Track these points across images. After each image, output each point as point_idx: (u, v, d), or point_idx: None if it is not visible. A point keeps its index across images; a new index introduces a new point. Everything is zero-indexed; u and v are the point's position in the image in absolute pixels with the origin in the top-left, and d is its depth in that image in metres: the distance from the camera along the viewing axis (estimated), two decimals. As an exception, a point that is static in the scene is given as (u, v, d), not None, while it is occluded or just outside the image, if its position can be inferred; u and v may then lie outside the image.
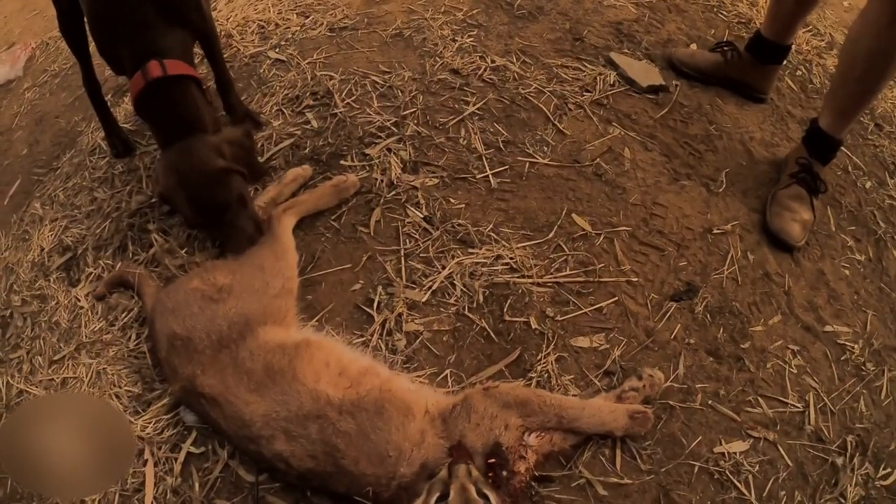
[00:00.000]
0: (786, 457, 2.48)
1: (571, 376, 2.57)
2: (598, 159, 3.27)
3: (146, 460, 2.48)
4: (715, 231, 3.07)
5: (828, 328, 2.88)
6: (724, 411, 2.55)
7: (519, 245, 2.92)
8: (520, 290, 2.78)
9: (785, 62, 3.74)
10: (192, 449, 2.48)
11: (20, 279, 3.21)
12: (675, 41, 4.04)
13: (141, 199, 3.29)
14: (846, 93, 3.06)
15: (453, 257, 2.87)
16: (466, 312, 2.73)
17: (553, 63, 3.74)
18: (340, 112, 3.44)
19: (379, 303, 2.76)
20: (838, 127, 3.14)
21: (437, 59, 3.72)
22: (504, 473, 2.11)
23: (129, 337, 2.85)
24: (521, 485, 2.18)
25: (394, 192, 3.09)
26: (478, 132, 3.33)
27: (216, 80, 3.31)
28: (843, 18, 4.61)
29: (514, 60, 3.73)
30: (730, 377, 2.65)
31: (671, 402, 2.53)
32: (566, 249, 2.92)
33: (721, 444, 2.47)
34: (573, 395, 2.49)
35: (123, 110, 3.87)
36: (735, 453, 2.45)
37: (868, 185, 3.50)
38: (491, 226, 2.98)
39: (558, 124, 3.40)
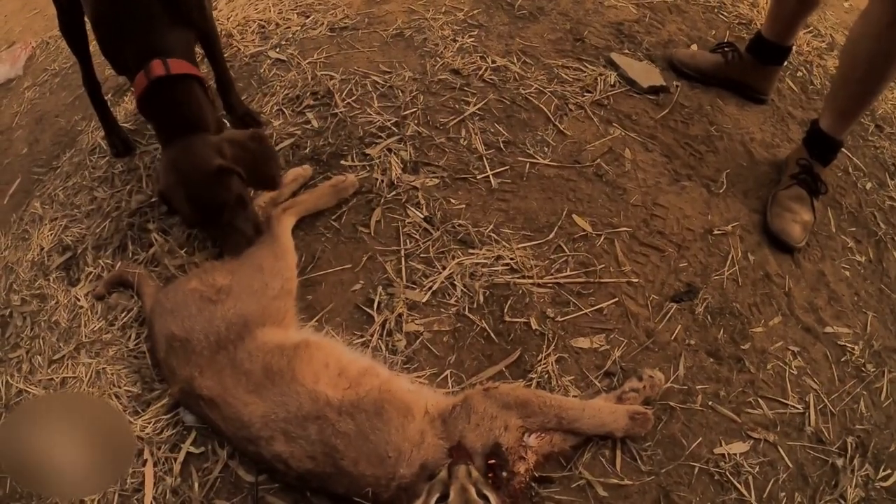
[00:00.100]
0: (786, 458, 2.47)
1: (572, 377, 2.57)
2: (598, 160, 3.26)
3: (145, 460, 2.48)
4: (715, 232, 3.07)
5: (828, 329, 2.88)
6: (724, 412, 2.55)
7: (519, 245, 2.92)
8: (520, 291, 2.78)
9: (786, 63, 3.74)
10: (192, 449, 2.48)
11: (20, 278, 3.21)
12: (675, 42, 4.04)
13: (141, 199, 3.29)
14: (847, 94, 3.06)
15: (454, 258, 2.86)
16: (467, 313, 2.73)
17: (554, 63, 3.74)
18: (341, 112, 3.44)
19: (379, 303, 2.76)
20: (839, 128, 3.14)
21: (438, 59, 3.72)
22: (504, 474, 2.11)
23: (129, 337, 2.85)
24: (520, 485, 2.17)
25: (394, 193, 3.09)
26: (478, 132, 3.33)
27: (216, 80, 3.30)
28: (843, 19, 4.61)
29: (515, 61, 3.73)
30: (730, 378, 2.64)
31: (671, 403, 2.53)
32: (566, 250, 2.92)
33: (721, 446, 2.47)
34: (573, 396, 2.49)
35: (123, 109, 3.87)
36: (735, 454, 2.45)
37: (868, 186, 3.50)
38: (491, 226, 2.98)
39: (559, 125, 3.40)
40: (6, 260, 3.35)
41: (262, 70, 3.78)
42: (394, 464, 2.13)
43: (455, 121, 3.39)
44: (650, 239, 3.01)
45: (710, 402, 2.57)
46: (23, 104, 4.40)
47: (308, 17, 4.12)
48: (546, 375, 2.55)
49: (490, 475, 2.06)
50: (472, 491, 1.88)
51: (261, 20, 4.15)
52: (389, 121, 3.38)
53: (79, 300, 3.01)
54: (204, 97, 2.81)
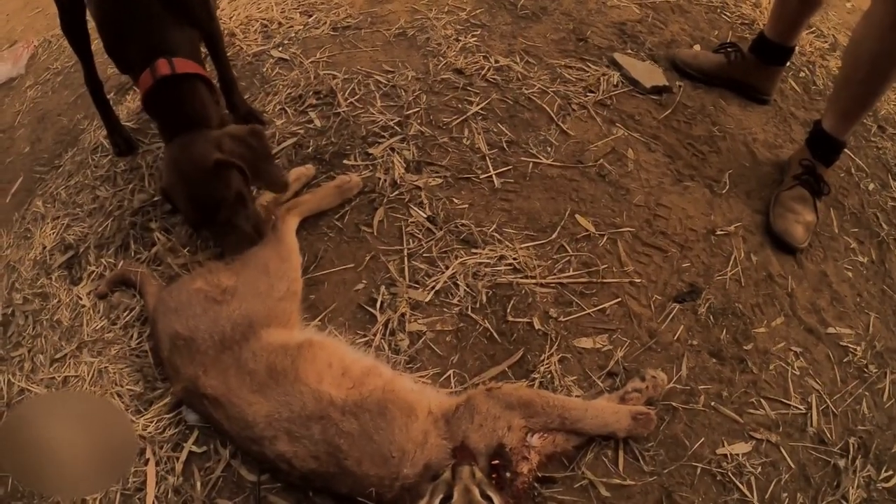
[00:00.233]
0: (788, 458, 2.47)
1: (574, 377, 2.57)
2: (601, 160, 3.26)
3: (148, 459, 2.48)
4: (718, 232, 3.07)
5: (830, 330, 2.88)
6: (726, 413, 2.55)
7: (522, 245, 2.92)
8: (523, 291, 2.78)
9: (788, 64, 3.74)
10: (194, 448, 2.48)
11: (22, 277, 3.21)
12: (678, 42, 4.04)
13: (143, 198, 3.29)
14: (849, 95, 3.06)
15: (457, 257, 2.86)
16: (469, 313, 2.73)
17: (556, 63, 3.74)
18: (343, 111, 3.44)
19: (382, 303, 2.76)
20: (842, 129, 3.14)
21: (441, 58, 3.72)
22: (507, 475, 2.11)
23: (131, 336, 2.85)
24: (524, 486, 2.18)
25: (397, 192, 3.09)
26: (481, 132, 3.33)
27: (219, 79, 3.29)
28: (846, 20, 4.61)
29: (518, 60, 3.73)
30: (732, 379, 2.64)
31: (674, 404, 2.53)
32: (569, 250, 2.92)
33: (723, 446, 2.47)
34: (576, 396, 2.49)
35: (125, 108, 3.87)
36: (737, 455, 2.45)
37: (871, 187, 3.50)
38: (494, 226, 2.98)
39: (562, 125, 3.40)
40: (8, 258, 3.35)
41: (264, 69, 3.79)
42: (397, 464, 2.13)
43: (458, 120, 3.39)
44: (653, 239, 3.01)
45: (712, 403, 2.57)
46: (25, 103, 4.39)
47: (311, 16, 4.12)
48: (549, 375, 2.55)
49: (493, 476, 2.06)
50: (476, 492, 1.88)
51: (263, 19, 4.15)
52: (392, 120, 3.38)
53: (81, 299, 3.00)
54: (209, 96, 2.81)
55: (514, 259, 2.86)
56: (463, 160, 3.23)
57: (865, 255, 3.19)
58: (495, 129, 3.36)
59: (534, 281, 2.81)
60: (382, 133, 3.33)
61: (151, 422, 2.55)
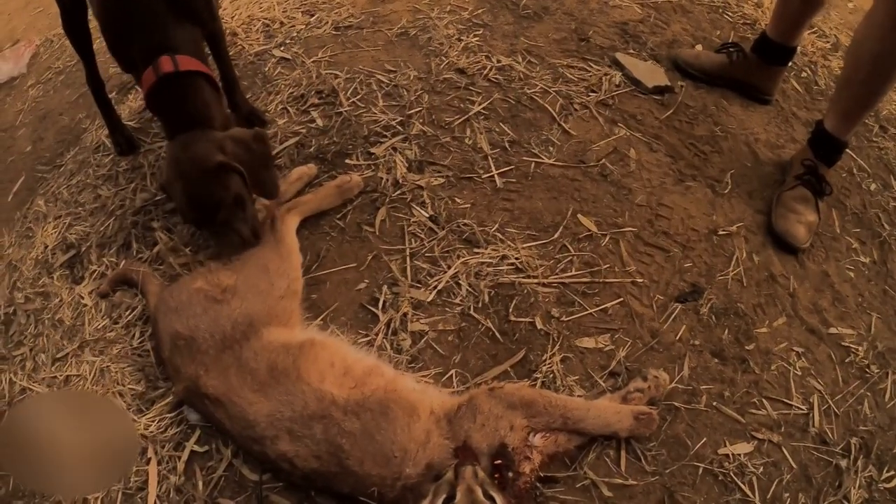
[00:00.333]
0: (790, 459, 2.48)
1: (576, 377, 2.57)
2: (603, 160, 3.26)
3: (149, 458, 2.48)
4: (720, 232, 3.07)
5: (832, 330, 2.88)
6: (728, 413, 2.55)
7: (524, 245, 2.92)
8: (525, 291, 2.78)
9: (790, 64, 3.74)
10: (196, 447, 2.48)
11: (23, 276, 3.21)
12: (680, 42, 4.03)
13: (145, 197, 3.29)
14: (851, 95, 3.06)
15: (459, 257, 2.87)
16: (472, 312, 2.73)
17: (558, 63, 3.74)
18: (346, 111, 3.44)
19: (384, 302, 2.76)
20: (843, 129, 3.14)
21: (443, 58, 3.72)
22: (510, 475, 2.11)
23: (133, 335, 2.85)
24: (526, 485, 2.18)
25: (399, 192, 3.09)
26: (483, 132, 3.33)
27: (221, 78, 3.29)
28: (847, 20, 4.61)
29: (520, 60, 3.73)
30: (734, 379, 2.65)
31: (676, 404, 2.53)
32: (571, 250, 2.92)
33: (725, 446, 2.47)
34: (578, 396, 2.49)
35: (127, 108, 3.87)
36: (739, 455, 2.45)
37: (873, 187, 3.50)
38: (496, 226, 2.98)
39: (564, 124, 3.40)
40: (10, 258, 3.35)
41: (266, 69, 3.79)
42: (399, 463, 2.13)
43: (460, 120, 3.39)
44: (655, 239, 3.01)
45: (714, 403, 2.57)
46: (27, 102, 4.40)
47: (313, 15, 4.12)
48: (551, 375, 2.56)
49: (496, 476, 2.06)
50: (479, 492, 1.88)
51: (265, 19, 4.15)
52: (394, 120, 3.38)
53: (83, 298, 3.00)
54: (212, 94, 2.80)
55: (517, 259, 2.86)
56: (465, 160, 3.23)
57: (867, 255, 3.19)
58: (497, 129, 3.36)
59: (536, 281, 2.81)
60: (384, 132, 3.34)
61: (153, 421, 2.55)
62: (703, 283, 2.90)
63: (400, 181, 3.13)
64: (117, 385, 2.69)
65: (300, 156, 3.29)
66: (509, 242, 2.93)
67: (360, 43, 3.86)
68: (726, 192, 3.26)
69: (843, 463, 2.50)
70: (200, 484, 2.40)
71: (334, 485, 2.22)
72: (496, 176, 3.17)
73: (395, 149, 3.26)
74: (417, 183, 3.11)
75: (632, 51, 3.90)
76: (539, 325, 2.69)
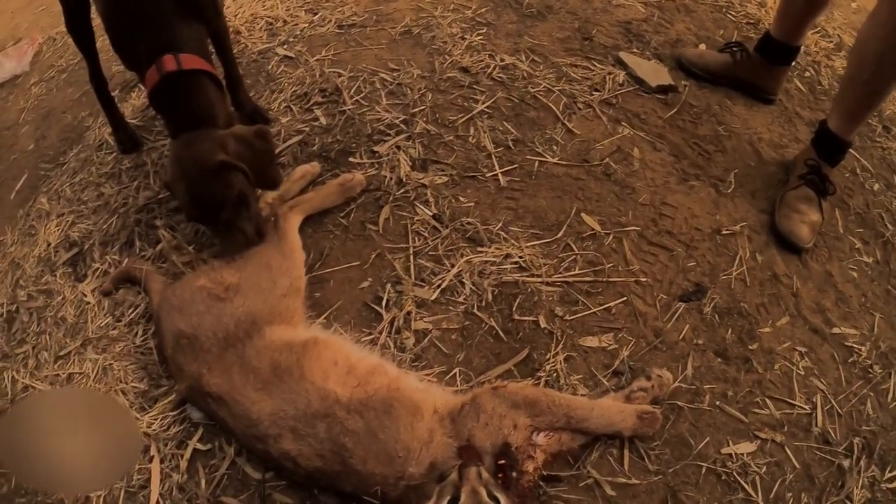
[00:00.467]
0: (793, 458, 2.47)
1: (580, 376, 2.57)
2: (607, 159, 3.27)
3: (152, 457, 2.48)
4: (724, 232, 3.07)
5: (835, 330, 2.88)
6: (731, 412, 2.55)
7: (528, 244, 2.92)
8: (529, 290, 2.78)
9: (793, 63, 3.74)
10: (199, 446, 2.48)
11: (26, 274, 3.21)
12: (683, 41, 4.04)
13: (148, 195, 3.28)
14: (855, 95, 3.06)
15: (462, 256, 2.86)
16: (475, 311, 2.73)
17: (562, 62, 3.74)
18: (349, 109, 3.44)
19: (387, 301, 2.76)
20: (847, 129, 3.14)
21: (446, 56, 3.72)
22: (514, 475, 2.11)
23: (136, 333, 2.85)
24: (529, 484, 2.17)
25: (403, 190, 3.09)
26: (487, 130, 3.33)
27: (225, 76, 3.30)
28: (851, 20, 4.61)
29: (524, 59, 3.73)
30: (738, 378, 2.65)
31: (679, 403, 2.53)
32: (575, 249, 2.92)
33: (729, 446, 2.47)
34: (582, 395, 2.49)
35: (130, 105, 3.87)
36: (742, 454, 2.45)
37: (876, 187, 3.50)
38: (500, 224, 2.98)
39: (567, 123, 3.40)
40: (13, 255, 3.35)
41: (270, 67, 3.79)
42: (403, 462, 2.13)
43: (464, 119, 3.39)
44: (658, 238, 3.01)
45: (717, 402, 2.57)
46: (29, 100, 4.40)
47: (316, 14, 4.12)
48: (554, 374, 2.55)
49: (500, 476, 2.06)
50: (483, 493, 1.88)
51: (268, 17, 4.15)
52: (398, 118, 3.38)
53: (85, 296, 3.00)
54: (215, 93, 2.80)
55: (520, 257, 2.86)
56: (469, 158, 3.23)
57: (870, 255, 3.19)
58: (501, 128, 3.36)
59: (539, 279, 2.81)
60: (388, 131, 3.34)
61: (156, 419, 2.55)
62: (706, 283, 2.89)
63: (403, 179, 3.12)
64: (120, 383, 2.69)
65: (303, 154, 3.29)
66: (513, 241, 2.93)
67: (364, 41, 3.86)
68: (730, 191, 3.26)
69: (846, 463, 2.50)
70: (203, 482, 2.39)
71: (337, 483, 2.22)
72: (500, 175, 3.17)
73: (398, 147, 3.26)
74: (421, 181, 3.11)
75: (635, 50, 3.90)
76: (542, 324, 2.69)
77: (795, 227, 3.08)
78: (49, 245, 3.27)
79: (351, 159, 3.23)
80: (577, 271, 2.86)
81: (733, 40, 3.91)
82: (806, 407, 2.61)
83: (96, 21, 3.07)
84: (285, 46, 3.90)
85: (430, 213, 3.00)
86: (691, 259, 2.96)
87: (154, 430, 2.52)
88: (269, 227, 2.83)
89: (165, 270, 2.96)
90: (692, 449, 2.44)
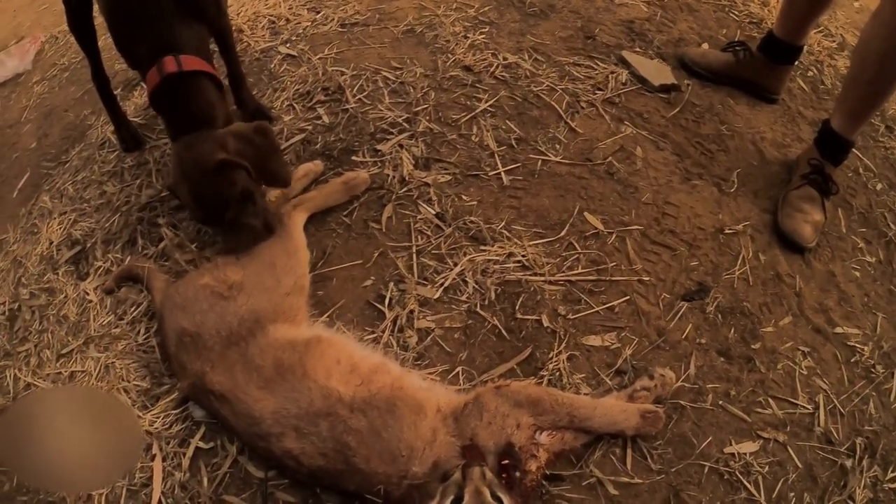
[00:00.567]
0: (795, 458, 2.47)
1: (583, 375, 2.57)
2: (610, 158, 3.26)
3: (154, 455, 2.47)
4: (726, 231, 3.07)
5: (838, 330, 2.87)
6: (734, 412, 2.55)
7: (531, 243, 2.92)
8: (532, 288, 2.78)
9: (796, 63, 3.73)
10: (201, 444, 2.48)
11: (28, 272, 3.21)
12: (686, 40, 4.03)
13: (151, 193, 3.28)
14: (858, 94, 3.06)
15: (465, 254, 2.86)
16: (478, 310, 2.73)
17: (565, 61, 3.74)
18: (352, 108, 3.44)
19: (390, 299, 2.76)
20: (850, 128, 3.14)
21: (449, 55, 3.72)
22: (517, 475, 2.10)
23: (138, 331, 2.85)
24: (532, 483, 2.17)
25: (405, 189, 3.09)
26: (490, 129, 3.33)
27: (228, 75, 3.32)
28: (854, 20, 4.61)
29: (526, 58, 3.73)
30: (740, 378, 2.64)
31: (682, 402, 2.53)
32: (578, 248, 2.92)
33: (731, 445, 2.47)
34: (585, 394, 2.49)
35: (133, 104, 3.87)
36: (745, 454, 2.45)
37: (879, 187, 3.50)
38: (503, 223, 2.98)
39: (570, 122, 3.40)
40: (15, 254, 3.35)
41: (272, 65, 3.79)
42: (406, 461, 2.12)
43: (466, 117, 3.39)
44: (661, 237, 3.01)
45: (720, 402, 2.57)
46: (32, 98, 4.39)
47: (318, 12, 4.12)
48: (557, 373, 2.55)
49: (503, 475, 2.05)
50: (487, 493, 1.87)
51: (271, 16, 4.15)
52: (401, 117, 3.38)
53: (88, 294, 3.00)
54: (215, 94, 2.80)
55: (523, 256, 2.86)
56: (471, 157, 3.23)
57: (873, 255, 3.19)
58: (504, 127, 3.36)
59: (542, 278, 2.81)
60: (391, 130, 3.34)
61: (158, 417, 2.55)
62: (709, 282, 2.89)
63: (406, 178, 3.13)
64: (122, 381, 2.69)
65: (306, 152, 3.29)
66: (516, 240, 2.93)
67: (367, 40, 3.86)
68: (732, 190, 3.26)
69: (849, 463, 2.50)
70: (205, 480, 2.39)
71: (340, 482, 2.22)
72: (503, 173, 3.17)
73: (401, 146, 3.26)
74: (424, 180, 3.12)
75: (638, 49, 3.90)
76: (545, 323, 2.69)
77: (798, 226, 3.08)
78: (51, 243, 3.27)
79: (354, 158, 3.23)
80: (579, 270, 2.86)
81: (736, 39, 3.92)
82: (808, 407, 2.61)
83: (98, 19, 3.08)
84: (288, 45, 3.91)
85: (433, 212, 3.00)
86: (694, 258, 2.96)
87: (156, 428, 2.52)
88: (276, 222, 2.83)
89: (168, 269, 2.97)
90: (695, 448, 2.43)
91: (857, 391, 2.70)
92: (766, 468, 2.43)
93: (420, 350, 2.63)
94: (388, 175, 3.14)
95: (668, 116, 3.54)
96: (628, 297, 2.80)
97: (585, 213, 3.04)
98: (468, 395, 2.31)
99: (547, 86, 3.58)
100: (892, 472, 2.51)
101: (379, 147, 3.25)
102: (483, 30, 3.90)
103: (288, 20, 4.10)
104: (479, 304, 2.74)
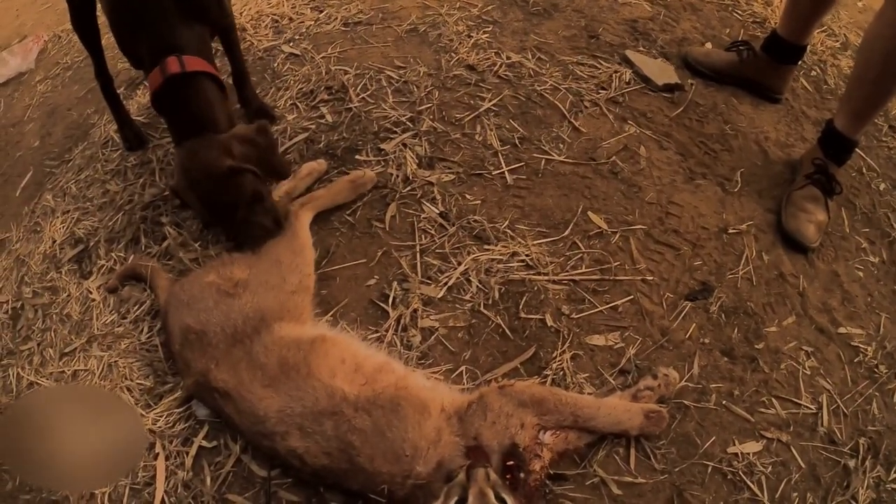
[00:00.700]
0: (798, 458, 2.47)
1: (586, 374, 2.56)
2: (613, 157, 3.26)
3: (157, 454, 2.48)
4: (730, 231, 3.07)
5: (841, 330, 2.87)
6: (737, 412, 2.54)
7: (535, 242, 2.92)
8: (535, 288, 2.78)
9: (800, 62, 3.73)
10: (204, 443, 2.48)
11: (31, 271, 3.21)
12: (690, 40, 4.03)
13: (154, 192, 3.29)
14: (862, 94, 3.06)
15: (469, 253, 2.87)
16: (482, 309, 2.73)
17: (568, 60, 3.74)
18: (355, 107, 3.44)
19: (394, 298, 2.76)
20: (854, 128, 3.14)
21: (453, 54, 3.72)
22: (521, 475, 2.10)
23: (141, 330, 2.85)
24: (536, 483, 2.17)
25: (409, 188, 3.10)
26: (493, 128, 3.33)
27: (232, 74, 3.33)
28: (857, 19, 4.61)
29: (530, 57, 3.73)
30: (744, 377, 2.64)
31: (686, 402, 2.53)
32: (582, 247, 2.92)
33: (735, 445, 2.46)
34: (588, 394, 2.49)
35: (136, 103, 3.87)
36: (748, 454, 2.45)
37: (882, 187, 3.49)
38: (507, 222, 2.98)
39: (574, 122, 3.40)
40: (18, 252, 3.35)
41: (275, 64, 3.79)
42: (410, 461, 2.12)
43: (470, 116, 3.39)
44: (665, 237, 3.01)
45: (723, 402, 2.56)
46: (35, 97, 4.39)
47: (321, 11, 4.12)
48: (561, 372, 2.55)
49: (508, 476, 2.05)
50: (491, 494, 1.87)
51: (274, 15, 4.15)
52: (404, 116, 3.38)
53: (91, 293, 3.00)
54: (217, 95, 2.80)
55: (527, 256, 2.86)
56: (475, 156, 3.23)
57: (876, 255, 3.18)
58: (507, 126, 3.36)
59: (546, 278, 2.81)
60: (394, 129, 3.34)
61: (161, 416, 2.55)
62: (712, 282, 2.89)
63: (410, 177, 3.13)
64: (125, 380, 2.69)
65: (309, 151, 3.29)
66: (519, 239, 2.93)
67: (370, 39, 3.86)
68: (736, 190, 3.26)
69: (852, 463, 2.49)
70: (209, 479, 2.39)
71: (344, 482, 2.22)
72: (506, 173, 3.17)
73: (404, 145, 3.26)
74: (427, 179, 3.12)
75: (642, 48, 3.89)
76: (549, 323, 2.69)
77: (802, 226, 3.08)
78: (54, 242, 3.27)
79: (357, 157, 3.23)
80: (583, 270, 2.86)
81: (740, 39, 3.92)
82: (812, 407, 2.61)
83: (102, 18, 3.08)
84: (291, 44, 3.91)
85: (437, 211, 3.00)
86: (698, 258, 2.96)
87: (159, 427, 2.52)
88: (285, 219, 2.84)
89: (171, 267, 2.97)
90: (698, 448, 2.43)
91: (860, 391, 2.70)
92: (770, 468, 2.42)
93: (424, 349, 2.63)
94: (392, 174, 3.14)
95: (672, 116, 3.54)
96: (632, 297, 2.80)
97: (589, 213, 3.04)
98: (472, 395, 2.31)
99: (550, 85, 3.57)
100: (895, 472, 2.51)
101: (382, 146, 3.25)
102: (486, 29, 3.90)
103: (291, 19, 4.10)
104: (482, 304, 2.74)
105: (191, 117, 2.73)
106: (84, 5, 3.18)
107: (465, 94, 3.50)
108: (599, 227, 2.99)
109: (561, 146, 3.29)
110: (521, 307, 2.73)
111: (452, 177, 3.13)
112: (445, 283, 2.78)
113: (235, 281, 2.56)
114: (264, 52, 3.90)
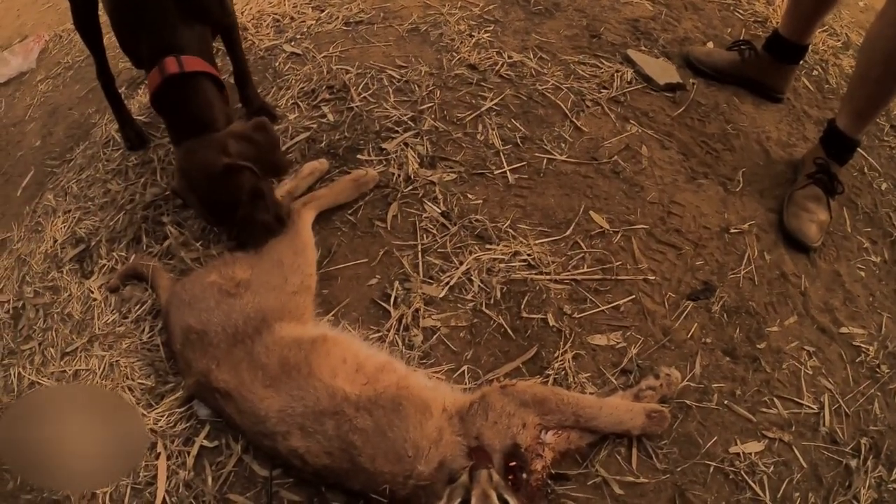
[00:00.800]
0: (800, 458, 2.47)
1: (588, 374, 2.56)
2: (615, 157, 3.26)
3: (159, 453, 2.48)
4: (732, 230, 3.06)
5: (843, 330, 2.87)
6: (739, 411, 2.54)
7: (536, 242, 2.92)
8: (537, 287, 2.78)
9: (801, 62, 3.73)
10: (206, 443, 2.48)
11: (33, 270, 3.21)
12: (691, 39, 4.03)
13: (155, 192, 3.29)
14: (864, 94, 3.05)
15: (471, 253, 2.86)
16: (484, 309, 2.73)
17: (570, 60, 3.74)
18: (357, 106, 3.44)
19: (396, 298, 2.76)
20: (856, 128, 3.13)
21: (454, 54, 3.72)
22: (524, 476, 2.10)
23: (143, 329, 2.85)
24: (538, 483, 2.17)
25: (411, 187, 3.09)
26: (495, 128, 3.33)
27: (234, 73, 3.33)
28: (858, 19, 4.60)
29: (531, 56, 3.73)
30: (746, 377, 2.64)
31: (687, 402, 2.53)
32: (584, 247, 2.92)
33: (736, 445, 2.47)
34: (590, 394, 2.49)
35: (137, 102, 3.87)
36: (750, 454, 2.45)
37: (884, 186, 3.49)
38: (508, 222, 2.98)
39: (576, 121, 3.40)
40: (19, 252, 3.35)
41: (277, 64, 3.79)
42: (411, 461, 2.12)
43: (472, 116, 3.39)
44: (667, 237, 3.00)
45: (725, 401, 2.56)
46: (36, 97, 4.39)
47: (323, 11, 4.12)
48: (563, 372, 2.55)
49: (510, 477, 2.05)
50: (493, 496, 1.87)
51: (275, 14, 4.15)
52: (406, 115, 3.38)
53: (92, 292, 3.01)
54: (216, 95, 2.80)
55: (529, 255, 2.86)
56: (477, 156, 3.23)
57: (878, 254, 3.18)
58: (509, 125, 3.36)
59: (548, 277, 2.81)
60: (396, 128, 3.34)
61: (163, 416, 2.55)
62: (714, 281, 2.89)
63: (412, 177, 3.13)
64: (126, 380, 2.69)
65: (311, 151, 3.29)
66: (521, 239, 2.93)
67: (371, 38, 3.86)
68: (738, 190, 3.25)
69: (853, 463, 2.49)
70: (210, 479, 2.39)
71: (346, 481, 2.22)
72: (508, 172, 3.17)
73: (406, 144, 3.26)
74: (429, 178, 3.11)
75: (643, 48, 3.89)
76: (551, 322, 2.69)
77: (804, 225, 3.07)
78: (56, 241, 3.27)
79: (359, 156, 3.23)
80: (585, 269, 2.86)
81: (741, 38, 3.91)
82: (814, 406, 2.61)
83: (103, 17, 3.08)
84: (292, 43, 3.90)
85: (439, 211, 3.00)
86: (700, 257, 2.96)
87: (161, 426, 2.53)
88: (287, 216, 2.84)
89: (173, 267, 2.97)
90: (700, 448, 2.43)
91: (862, 391, 2.70)
92: (772, 468, 2.43)
93: (425, 349, 2.63)
94: (394, 173, 3.14)
95: (674, 115, 3.53)
96: (634, 297, 2.80)
97: (591, 212, 3.04)
98: (474, 395, 2.31)
99: (552, 84, 3.57)
100: (897, 472, 2.51)
101: (384, 145, 3.25)
102: (488, 28, 3.90)
103: (292, 18, 4.10)
104: (484, 303, 2.74)
105: (189, 117, 2.72)
106: (86, 5, 3.18)
107: (467, 94, 3.50)
108: (601, 227, 2.99)
109: (563, 146, 3.29)
110: (522, 307, 2.73)
111: (454, 176, 3.13)
112: (447, 283, 2.78)
113: (237, 281, 2.56)
114: (266, 51, 3.89)
